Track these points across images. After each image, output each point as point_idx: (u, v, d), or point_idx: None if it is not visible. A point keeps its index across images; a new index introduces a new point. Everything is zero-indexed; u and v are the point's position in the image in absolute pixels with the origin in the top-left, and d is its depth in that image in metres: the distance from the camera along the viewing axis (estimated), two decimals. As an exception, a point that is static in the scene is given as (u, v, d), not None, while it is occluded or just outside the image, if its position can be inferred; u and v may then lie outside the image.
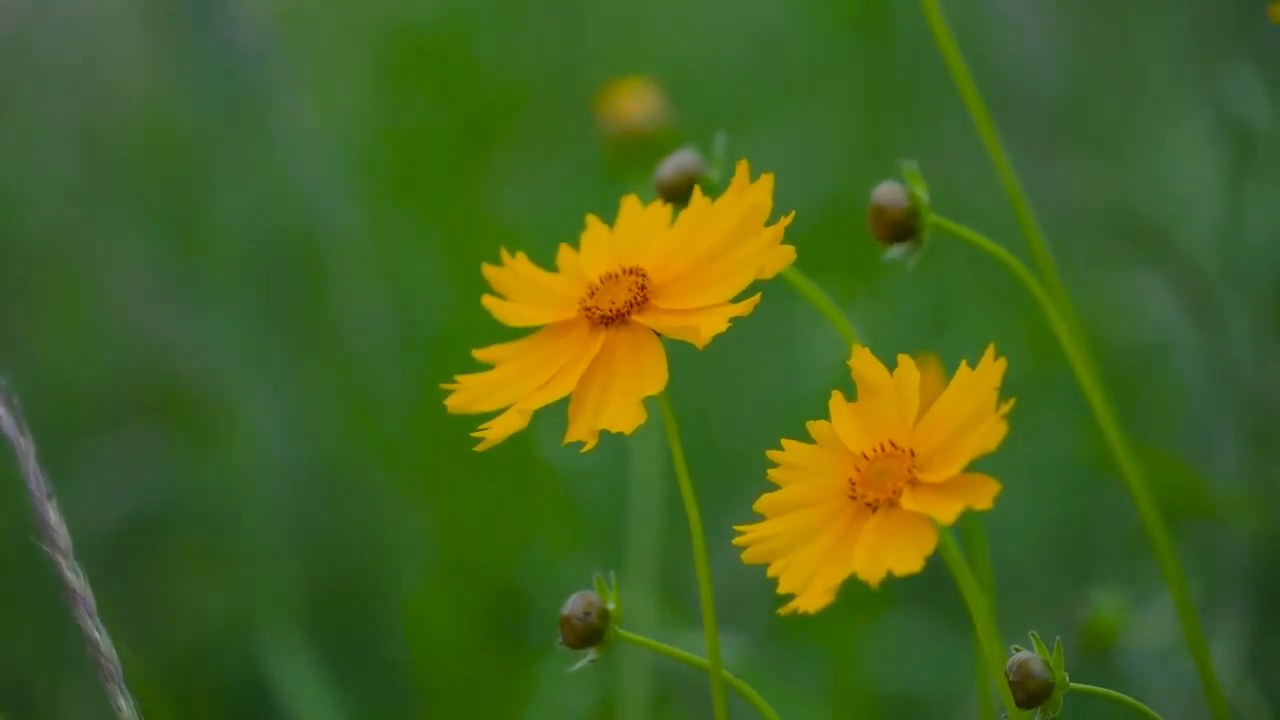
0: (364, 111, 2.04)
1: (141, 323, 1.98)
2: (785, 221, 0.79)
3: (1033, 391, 1.67)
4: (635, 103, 1.34)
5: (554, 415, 0.82)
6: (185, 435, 1.89)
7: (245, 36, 1.91)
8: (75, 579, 0.82)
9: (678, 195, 0.90)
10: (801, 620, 1.43)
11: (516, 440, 0.82)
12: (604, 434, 0.77)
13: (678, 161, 0.91)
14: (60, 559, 0.83)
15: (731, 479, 1.69)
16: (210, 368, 1.82)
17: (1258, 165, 1.53)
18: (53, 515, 0.83)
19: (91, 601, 0.82)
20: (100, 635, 0.81)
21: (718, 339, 0.77)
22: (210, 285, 1.84)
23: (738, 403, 1.86)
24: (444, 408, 0.81)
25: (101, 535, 1.78)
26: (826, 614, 0.74)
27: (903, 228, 0.83)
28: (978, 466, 0.74)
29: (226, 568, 1.78)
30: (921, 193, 0.83)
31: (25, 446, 0.84)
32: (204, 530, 1.85)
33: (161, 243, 2.04)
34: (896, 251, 0.83)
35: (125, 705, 0.81)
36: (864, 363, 0.78)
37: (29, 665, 1.68)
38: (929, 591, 1.58)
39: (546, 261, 0.86)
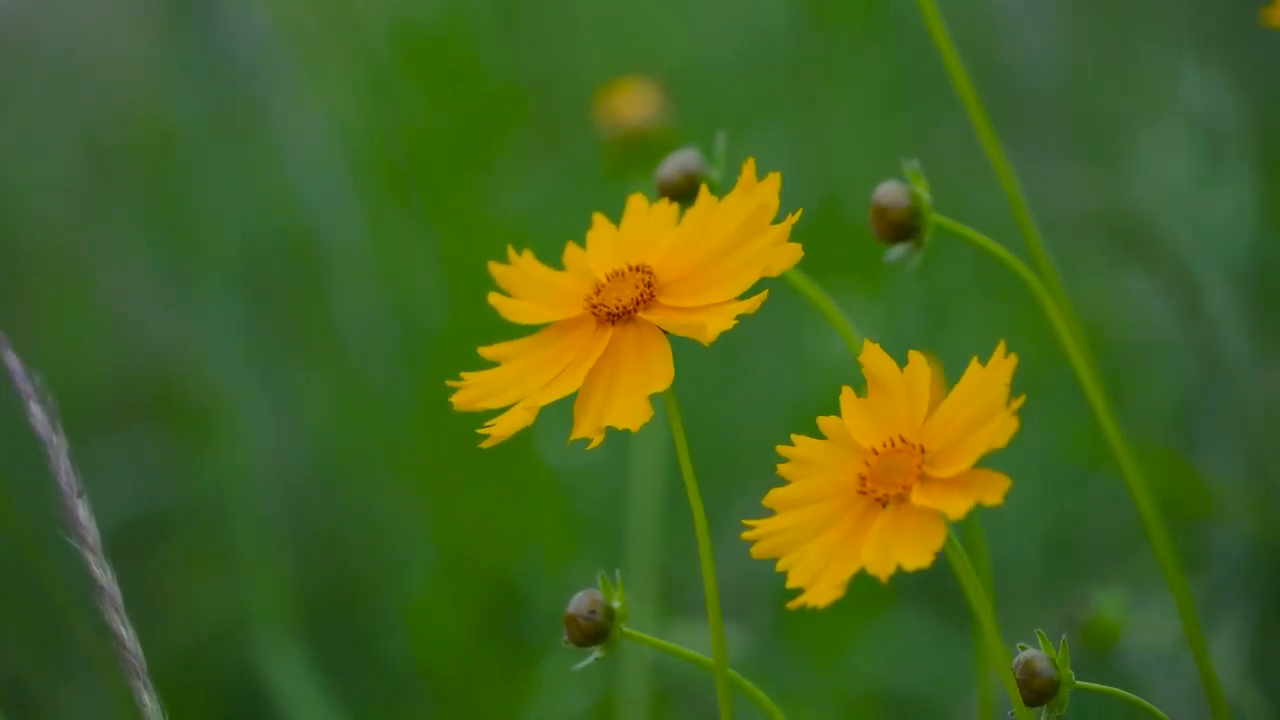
0: (362, 111, 2.04)
1: (141, 323, 1.98)
2: (793, 219, 0.79)
3: (1031, 389, 1.67)
4: (635, 103, 1.34)
5: (554, 415, 0.82)
6: (184, 435, 1.89)
7: (243, 36, 1.91)
8: (103, 574, 0.82)
9: (679, 195, 0.90)
10: (802, 619, 1.43)
11: (516, 440, 0.82)
12: (605, 433, 0.77)
13: (679, 161, 0.91)
14: (89, 554, 0.83)
15: (729, 478, 1.69)
16: (209, 368, 1.82)
17: (1235, 164, 1.53)
18: (82, 512, 0.83)
19: (118, 597, 0.82)
20: (126, 630, 0.81)
21: (719, 338, 0.77)
22: (209, 285, 1.84)
23: (735, 402, 1.86)
24: (443, 407, 0.81)
25: (100, 535, 1.78)
26: (827, 612, 0.74)
27: (904, 228, 0.82)
28: (981, 464, 0.74)
29: (224, 568, 1.78)
30: (923, 192, 0.82)
31: (58, 444, 0.84)
32: (202, 530, 1.84)
33: (161, 243, 2.04)
34: (898, 252, 0.83)
35: (149, 701, 0.82)
36: (875, 358, 0.78)
37: (29, 665, 1.68)
38: (928, 590, 1.58)
39: (547, 261, 0.86)
